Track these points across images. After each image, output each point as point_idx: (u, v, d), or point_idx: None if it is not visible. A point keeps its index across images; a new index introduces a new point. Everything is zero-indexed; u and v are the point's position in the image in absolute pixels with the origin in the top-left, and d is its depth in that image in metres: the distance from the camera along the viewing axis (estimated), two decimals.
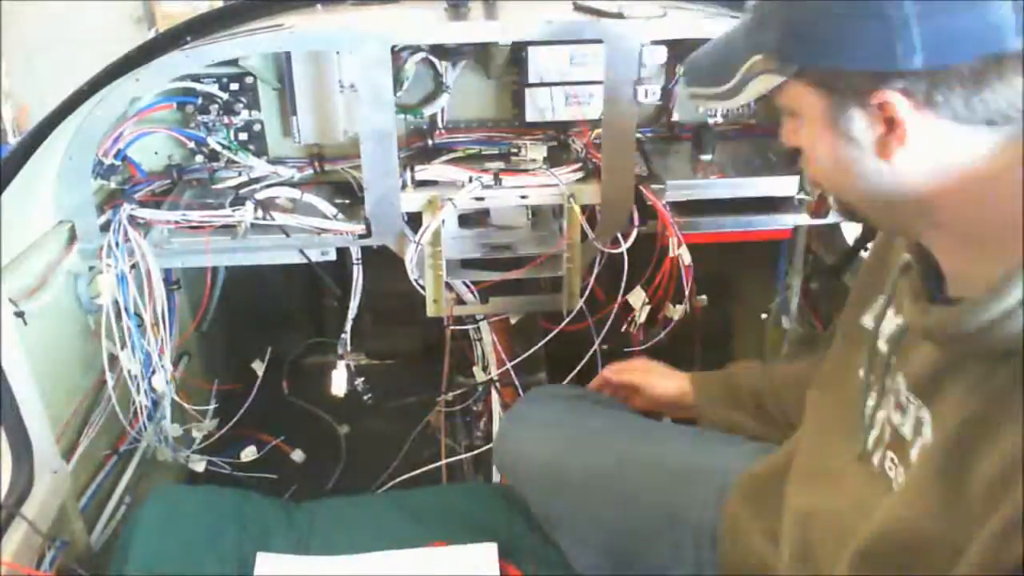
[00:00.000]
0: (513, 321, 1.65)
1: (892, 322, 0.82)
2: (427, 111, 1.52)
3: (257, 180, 1.48)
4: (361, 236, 1.42)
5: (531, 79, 1.47)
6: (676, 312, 1.49)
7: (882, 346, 0.82)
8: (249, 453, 1.67)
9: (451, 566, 1.18)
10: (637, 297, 1.48)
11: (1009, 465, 0.60)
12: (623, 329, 1.52)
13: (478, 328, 1.62)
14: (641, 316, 1.50)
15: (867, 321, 0.87)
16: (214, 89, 1.46)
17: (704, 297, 1.54)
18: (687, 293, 1.44)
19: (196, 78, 1.44)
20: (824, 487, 0.86)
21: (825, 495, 0.85)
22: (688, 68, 0.81)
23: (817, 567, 0.83)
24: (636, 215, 1.42)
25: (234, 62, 1.41)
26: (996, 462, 0.61)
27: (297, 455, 1.80)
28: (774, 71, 0.70)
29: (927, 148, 0.66)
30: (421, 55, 1.44)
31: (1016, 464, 0.59)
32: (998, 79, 0.62)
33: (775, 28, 0.70)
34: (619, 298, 1.48)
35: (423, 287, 1.47)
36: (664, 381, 1.29)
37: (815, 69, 0.69)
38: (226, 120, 1.47)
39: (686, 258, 1.41)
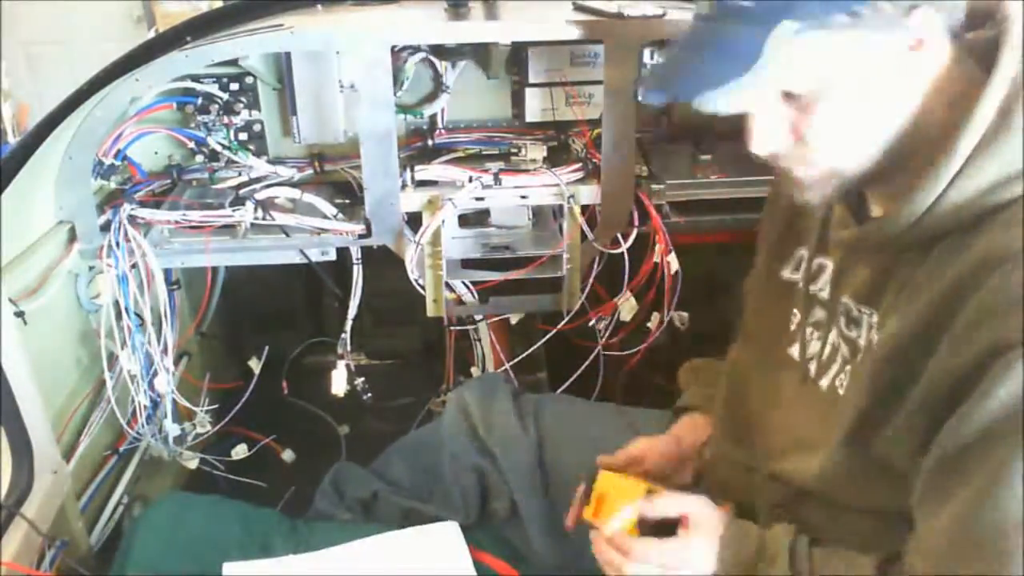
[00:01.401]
0: (513, 321, 1.65)
1: (819, 263, 0.94)
2: (427, 111, 1.53)
3: (257, 180, 1.48)
4: (361, 236, 1.42)
5: (531, 79, 1.47)
6: (652, 322, 1.50)
7: (814, 287, 0.95)
8: (240, 451, 1.68)
9: (417, 547, 1.20)
10: (628, 304, 1.49)
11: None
12: (590, 324, 1.52)
13: (477, 328, 1.62)
14: (625, 316, 1.50)
15: (787, 274, 1.00)
16: (214, 89, 1.46)
17: (685, 314, 1.51)
18: (666, 303, 1.44)
19: (196, 78, 1.44)
20: (781, 418, 0.97)
21: (785, 423, 0.96)
22: (669, 82, 0.79)
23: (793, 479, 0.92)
24: (636, 215, 1.42)
25: (234, 62, 1.41)
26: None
27: (287, 455, 1.80)
28: (808, 28, 0.70)
29: (932, 60, 0.74)
30: (421, 55, 1.44)
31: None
32: None
33: None
34: (613, 300, 1.49)
35: (423, 287, 1.47)
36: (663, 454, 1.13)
37: (850, 13, 0.70)
38: (226, 120, 1.47)
39: (673, 265, 1.40)
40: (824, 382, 0.93)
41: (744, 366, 1.09)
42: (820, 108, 0.75)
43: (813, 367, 0.96)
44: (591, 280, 1.48)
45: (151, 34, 2.49)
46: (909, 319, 0.76)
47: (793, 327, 0.99)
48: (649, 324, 1.52)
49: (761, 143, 0.79)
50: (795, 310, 1.00)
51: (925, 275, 0.76)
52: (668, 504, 0.92)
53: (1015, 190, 0.71)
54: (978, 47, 0.77)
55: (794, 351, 0.98)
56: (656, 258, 1.41)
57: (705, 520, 0.90)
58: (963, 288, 0.71)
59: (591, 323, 1.52)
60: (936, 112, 0.75)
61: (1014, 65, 0.72)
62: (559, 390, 1.57)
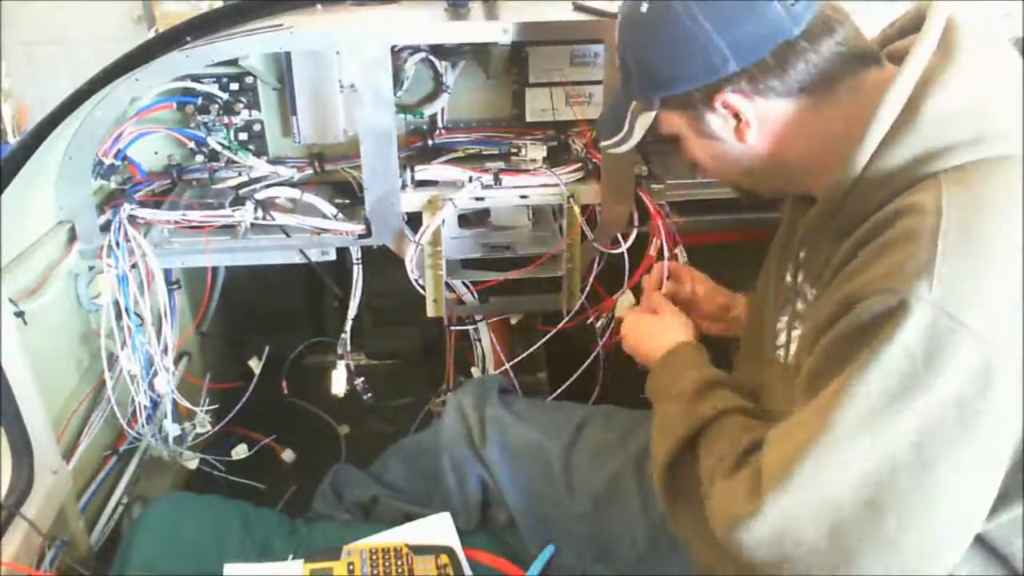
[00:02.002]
0: (513, 321, 1.65)
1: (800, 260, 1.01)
2: (427, 111, 1.52)
3: (257, 180, 1.48)
4: (361, 236, 1.42)
5: (531, 79, 1.47)
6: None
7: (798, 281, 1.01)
8: (240, 451, 1.68)
9: (411, 538, 1.23)
10: (627, 300, 1.49)
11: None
12: (588, 322, 1.52)
13: (477, 328, 1.62)
14: (620, 312, 1.50)
15: (788, 278, 1.04)
16: (214, 89, 1.46)
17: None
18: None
19: (196, 78, 1.44)
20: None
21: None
22: (597, 127, 1.05)
23: None
24: (636, 215, 1.42)
25: (234, 62, 1.41)
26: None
27: (287, 455, 1.80)
28: (646, 110, 0.93)
29: (768, 123, 0.87)
30: (421, 55, 1.44)
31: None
32: (795, 58, 0.83)
33: (634, 78, 0.92)
34: (612, 298, 1.49)
35: (423, 287, 1.47)
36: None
37: (669, 98, 0.90)
38: (226, 120, 1.47)
39: (681, 257, 1.41)
40: (779, 354, 1.00)
41: (739, 362, 1.10)
42: (685, 149, 0.96)
43: (782, 352, 1.00)
44: (591, 280, 1.48)
45: (151, 34, 2.48)
46: (825, 277, 0.85)
47: (780, 324, 1.02)
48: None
49: (684, 159, 0.99)
50: (787, 307, 1.01)
51: (847, 243, 0.83)
52: (659, 301, 1.16)
53: (923, 169, 0.77)
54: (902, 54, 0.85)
55: (777, 341, 1.02)
56: (652, 251, 1.41)
57: (671, 324, 1.12)
58: (862, 239, 0.79)
59: (589, 321, 1.52)
60: (818, 139, 0.87)
61: (917, 66, 0.80)
62: (559, 390, 1.57)
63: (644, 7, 0.87)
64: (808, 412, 0.77)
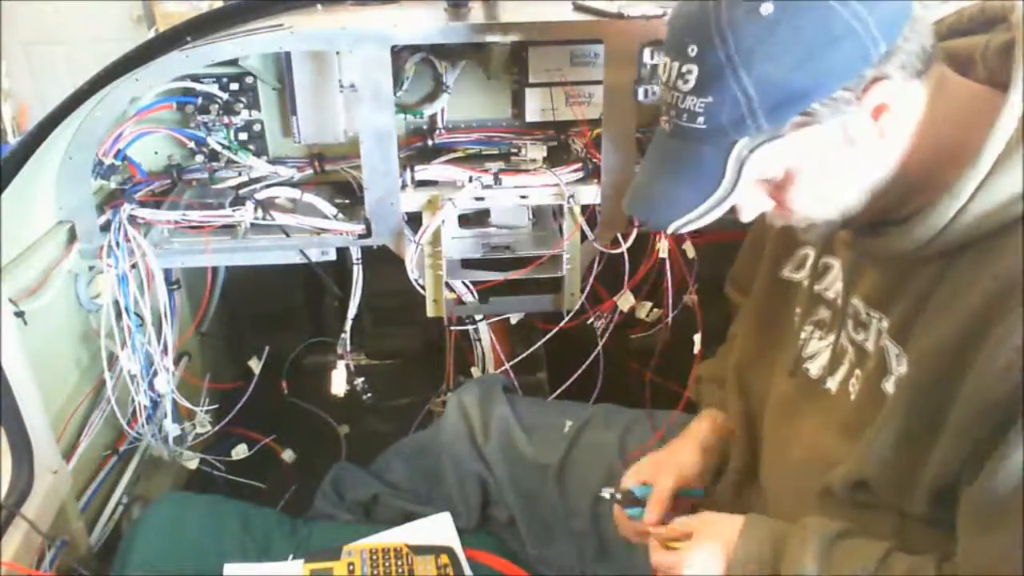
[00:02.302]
0: (513, 321, 1.65)
1: (826, 262, 0.96)
2: (427, 111, 1.52)
3: (257, 180, 1.48)
4: (361, 236, 1.42)
5: (531, 79, 1.47)
6: (642, 311, 1.50)
7: (819, 286, 0.97)
8: (240, 451, 1.68)
9: (411, 538, 1.23)
10: (626, 300, 1.49)
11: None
12: (589, 322, 1.52)
13: (477, 328, 1.62)
14: (623, 307, 1.50)
15: (787, 272, 1.02)
16: (214, 89, 1.46)
17: (694, 297, 1.50)
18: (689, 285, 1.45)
19: (196, 78, 1.44)
20: (786, 421, 0.99)
21: (794, 428, 0.97)
22: (648, 205, 0.83)
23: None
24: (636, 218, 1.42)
25: (234, 62, 1.41)
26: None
27: (287, 455, 1.80)
28: (764, 141, 0.74)
29: (902, 113, 0.75)
30: (421, 55, 1.44)
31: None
32: (915, 32, 0.73)
33: (740, 110, 0.73)
34: (612, 299, 1.49)
35: (423, 287, 1.47)
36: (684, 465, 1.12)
37: (805, 113, 0.73)
38: (226, 120, 1.47)
39: (689, 252, 1.41)
40: (831, 384, 0.94)
41: (744, 366, 1.10)
42: (792, 185, 0.79)
43: (814, 367, 0.96)
44: (591, 280, 1.48)
45: (151, 34, 2.48)
46: (941, 335, 0.76)
47: (795, 325, 1.00)
48: (646, 317, 1.52)
49: (748, 216, 0.84)
50: (797, 308, 1.00)
51: (950, 290, 0.76)
52: (678, 526, 0.97)
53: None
54: (990, 52, 0.78)
55: (793, 349, 0.99)
56: (660, 252, 1.41)
57: (708, 528, 0.93)
58: (988, 312, 0.71)
59: (589, 321, 1.52)
60: (937, 137, 0.77)
61: None
62: (559, 390, 1.57)
63: (767, 7, 0.70)
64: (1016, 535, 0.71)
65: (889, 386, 0.84)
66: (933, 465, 0.78)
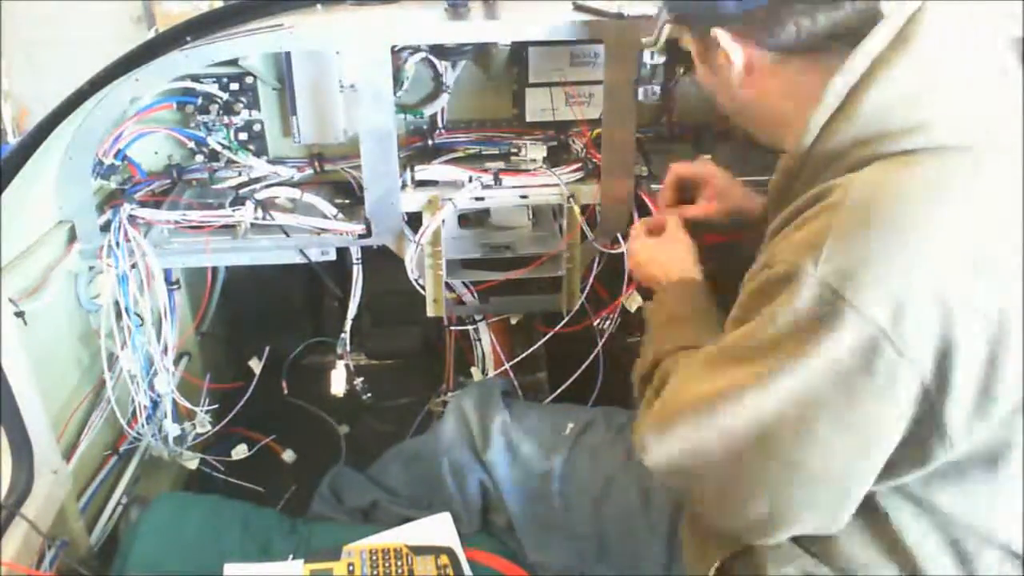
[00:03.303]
0: (513, 321, 1.65)
1: None
2: (427, 111, 1.52)
3: (257, 180, 1.48)
4: (361, 236, 1.42)
5: (531, 79, 1.47)
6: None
7: None
8: (240, 451, 1.68)
9: (412, 538, 1.23)
10: (634, 300, 1.49)
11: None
12: (594, 323, 1.52)
13: (477, 328, 1.62)
14: (631, 307, 1.50)
15: None
16: (214, 89, 1.46)
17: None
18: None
19: (196, 78, 1.44)
20: None
21: None
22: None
23: None
24: (636, 215, 1.42)
25: (234, 62, 1.41)
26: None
27: (288, 455, 1.80)
28: (670, 19, 0.99)
29: (753, 71, 0.90)
30: (421, 55, 1.44)
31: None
32: (787, 18, 0.84)
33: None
34: (617, 300, 1.49)
35: (423, 287, 1.47)
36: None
37: (681, 16, 0.96)
38: (226, 120, 1.47)
39: None
40: None
41: None
42: (696, 70, 1.00)
43: None
44: (591, 280, 1.48)
45: (151, 34, 2.48)
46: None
47: None
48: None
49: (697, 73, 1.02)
50: None
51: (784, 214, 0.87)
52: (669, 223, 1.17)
53: (869, 152, 0.80)
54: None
55: None
56: None
57: (667, 244, 1.15)
58: (795, 209, 0.82)
59: (595, 323, 1.52)
60: (792, 103, 0.89)
61: (865, 57, 0.81)
62: (559, 390, 1.57)
63: None
64: (715, 353, 0.85)
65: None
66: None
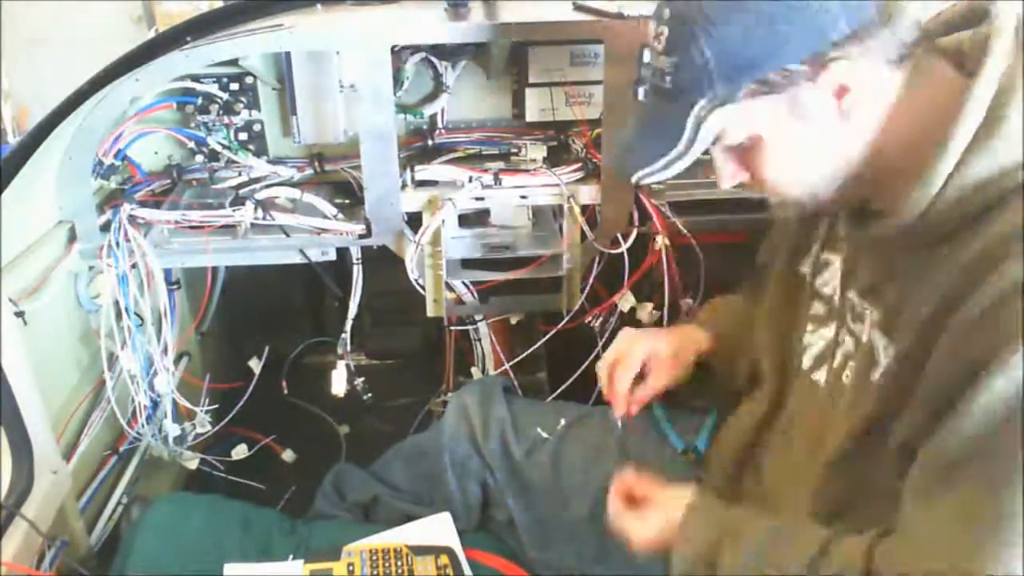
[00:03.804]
0: (513, 321, 1.65)
1: (826, 258, 0.97)
2: (427, 111, 1.52)
3: (257, 180, 1.48)
4: (361, 236, 1.42)
5: (531, 79, 1.47)
6: (643, 310, 1.51)
7: (819, 282, 0.98)
8: (240, 451, 1.68)
9: (412, 538, 1.23)
10: (627, 301, 1.49)
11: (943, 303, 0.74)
12: (587, 322, 1.53)
13: (477, 328, 1.62)
14: (624, 306, 1.51)
15: (804, 268, 1.01)
16: (214, 89, 1.46)
17: (689, 301, 1.51)
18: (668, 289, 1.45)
19: (196, 78, 1.44)
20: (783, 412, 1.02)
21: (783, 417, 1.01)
22: (632, 161, 0.87)
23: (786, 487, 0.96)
24: (636, 215, 1.42)
25: (234, 62, 1.41)
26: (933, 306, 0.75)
27: (288, 455, 1.80)
28: (719, 104, 0.77)
29: (868, 97, 0.76)
30: (421, 55, 1.44)
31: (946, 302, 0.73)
32: (894, 19, 0.74)
33: (700, 71, 0.76)
34: (613, 300, 1.49)
35: (423, 287, 1.47)
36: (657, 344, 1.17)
37: (759, 82, 0.76)
38: (226, 120, 1.47)
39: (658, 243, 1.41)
40: (818, 376, 0.96)
41: (760, 354, 1.10)
42: (759, 154, 0.82)
43: (807, 360, 0.98)
44: (591, 280, 1.48)
45: (151, 34, 2.48)
46: (919, 320, 0.77)
47: (802, 319, 1.02)
48: (647, 318, 1.52)
49: (724, 181, 0.87)
50: (823, 318, 1.01)
51: (931, 272, 0.77)
52: (641, 486, 1.02)
53: (1012, 181, 0.72)
54: (975, 47, 0.79)
55: (797, 342, 1.01)
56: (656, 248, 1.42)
57: (659, 503, 0.98)
58: (964, 285, 0.72)
59: (588, 321, 1.52)
60: (911, 125, 0.77)
61: (999, 66, 0.73)
62: (559, 390, 1.57)
63: None
64: (959, 506, 0.71)
65: (876, 376, 0.85)
66: (898, 435, 0.80)
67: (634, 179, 0.86)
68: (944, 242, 0.76)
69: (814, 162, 0.81)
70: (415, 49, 1.43)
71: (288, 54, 1.41)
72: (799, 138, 0.79)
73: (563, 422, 1.28)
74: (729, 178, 0.87)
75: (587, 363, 1.52)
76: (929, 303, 0.75)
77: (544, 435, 1.26)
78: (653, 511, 0.98)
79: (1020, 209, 0.70)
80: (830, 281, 0.97)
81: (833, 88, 0.75)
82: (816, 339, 0.98)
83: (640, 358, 1.15)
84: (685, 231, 1.42)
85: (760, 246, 1.16)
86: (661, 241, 1.41)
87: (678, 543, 0.93)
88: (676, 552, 0.92)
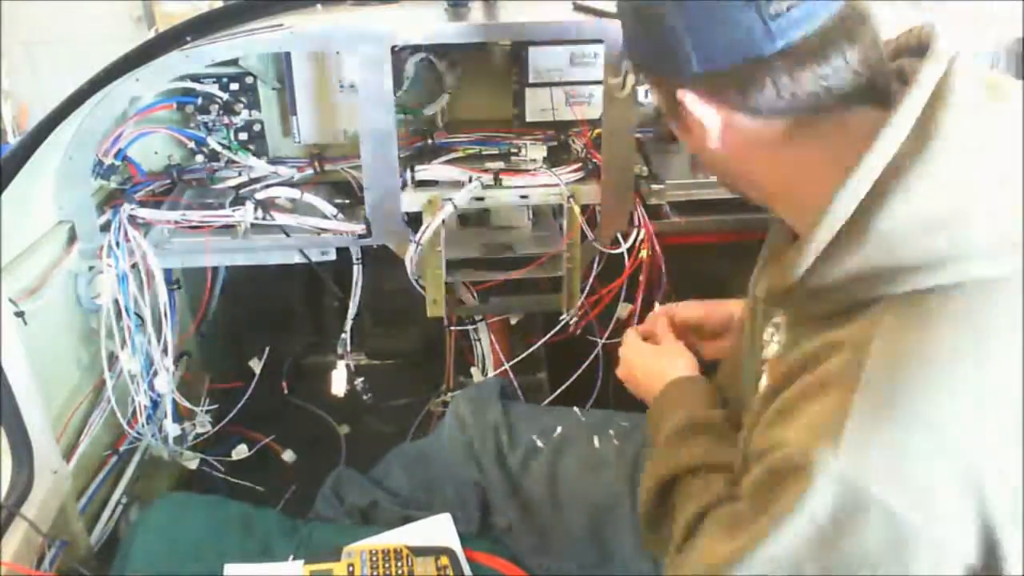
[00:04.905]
0: (513, 321, 1.65)
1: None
2: (427, 111, 1.52)
3: (257, 180, 1.48)
4: (361, 236, 1.42)
5: (531, 79, 1.47)
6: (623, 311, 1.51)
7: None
8: (240, 452, 1.68)
9: (412, 539, 1.23)
10: (624, 308, 1.49)
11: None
12: (573, 320, 1.53)
13: (477, 328, 1.62)
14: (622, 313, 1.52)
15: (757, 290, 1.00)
16: (214, 89, 1.46)
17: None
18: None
19: (196, 78, 1.44)
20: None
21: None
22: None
23: None
24: (636, 215, 1.42)
25: (234, 62, 1.41)
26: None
27: (288, 455, 1.80)
28: (630, 72, 0.86)
29: (731, 134, 0.76)
30: (421, 55, 1.44)
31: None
32: (761, 78, 0.71)
33: (627, 44, 0.83)
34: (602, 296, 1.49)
35: (423, 287, 1.47)
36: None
37: (650, 76, 0.82)
38: (226, 120, 1.47)
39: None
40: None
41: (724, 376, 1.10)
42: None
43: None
44: (591, 280, 1.48)
45: (151, 34, 2.48)
46: (783, 361, 0.77)
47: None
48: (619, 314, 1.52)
49: (679, 136, 0.88)
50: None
51: (799, 331, 0.77)
52: (663, 331, 1.12)
53: (875, 291, 0.68)
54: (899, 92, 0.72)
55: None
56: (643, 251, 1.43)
57: (662, 358, 1.09)
58: (797, 367, 0.72)
59: (574, 320, 1.52)
60: (791, 179, 0.76)
61: (888, 149, 0.67)
62: (559, 390, 1.57)
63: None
64: (743, 524, 0.72)
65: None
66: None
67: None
68: (816, 307, 0.74)
69: (701, 156, 0.83)
70: (415, 49, 1.43)
71: (288, 54, 1.41)
72: (683, 135, 0.83)
73: (559, 430, 1.28)
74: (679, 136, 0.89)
75: (587, 363, 1.52)
76: (790, 360, 0.75)
77: (540, 444, 1.26)
78: (653, 356, 1.10)
79: (867, 321, 0.67)
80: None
81: (689, 114, 0.77)
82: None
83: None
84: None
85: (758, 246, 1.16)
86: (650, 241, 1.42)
87: (653, 401, 1.05)
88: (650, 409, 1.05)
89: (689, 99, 0.75)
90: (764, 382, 0.86)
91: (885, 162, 0.67)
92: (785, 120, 0.73)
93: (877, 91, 0.72)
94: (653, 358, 1.10)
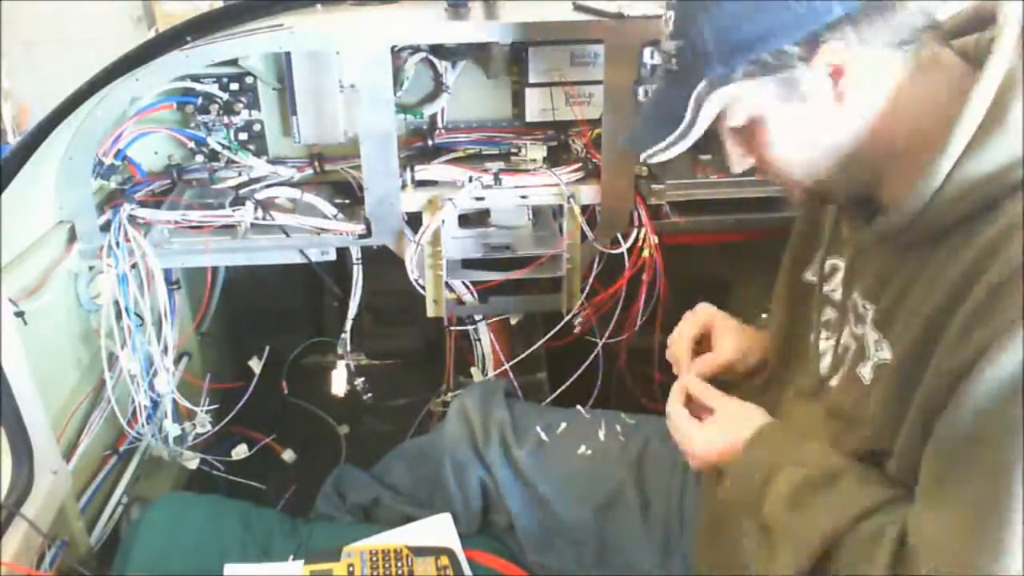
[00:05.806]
0: (513, 321, 1.65)
1: (832, 263, 0.97)
2: (427, 111, 1.52)
3: (257, 180, 1.48)
4: (361, 236, 1.42)
5: (531, 79, 1.47)
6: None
7: (827, 288, 0.97)
8: (240, 451, 1.68)
9: (412, 539, 1.23)
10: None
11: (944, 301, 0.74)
12: (576, 321, 1.53)
13: (477, 328, 1.62)
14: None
15: (808, 276, 1.02)
16: (214, 89, 1.46)
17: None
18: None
19: (196, 78, 1.44)
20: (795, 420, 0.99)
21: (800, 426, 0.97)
22: (634, 138, 0.89)
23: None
24: (636, 215, 1.42)
25: (234, 62, 1.41)
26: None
27: (288, 455, 1.80)
28: (718, 84, 0.78)
29: (866, 79, 0.76)
30: (421, 55, 1.44)
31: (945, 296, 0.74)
32: (892, 5, 0.74)
33: (700, 53, 0.78)
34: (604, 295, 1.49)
35: (423, 287, 1.47)
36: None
37: (755, 63, 0.77)
38: (226, 120, 1.47)
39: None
40: (834, 382, 0.95)
41: (771, 368, 1.10)
42: (760, 136, 0.82)
43: (824, 367, 0.97)
44: (591, 280, 1.48)
45: (151, 34, 2.48)
46: (918, 320, 0.77)
47: (812, 328, 1.01)
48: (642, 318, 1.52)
49: (733, 164, 0.88)
50: (815, 312, 1.01)
51: (930, 275, 0.77)
52: (707, 393, 1.01)
53: (1014, 177, 0.71)
54: (981, 49, 0.79)
55: (811, 351, 1.00)
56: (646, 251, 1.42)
57: (726, 418, 0.98)
58: (968, 277, 0.72)
59: (577, 321, 1.52)
60: (914, 111, 0.77)
61: (1003, 64, 0.73)
62: (559, 390, 1.57)
63: None
64: (973, 488, 0.71)
65: (865, 372, 0.86)
66: (903, 442, 0.79)
67: (642, 158, 0.89)
68: (945, 238, 0.76)
69: (813, 143, 0.81)
70: (415, 49, 1.43)
71: (288, 54, 1.41)
72: (796, 119, 0.80)
73: (564, 425, 1.28)
74: (737, 161, 0.87)
75: (587, 363, 1.52)
76: (932, 298, 0.75)
77: (544, 438, 1.26)
78: (717, 426, 0.98)
79: (1020, 203, 0.71)
80: (839, 286, 0.96)
81: (828, 70, 0.76)
82: (828, 346, 0.97)
83: (703, 319, 1.13)
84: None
85: (759, 247, 1.16)
86: (651, 241, 1.41)
87: (734, 464, 0.93)
88: (731, 472, 0.93)
89: (835, 48, 0.74)
90: (874, 339, 0.84)
91: (1007, 65, 0.72)
92: (909, 53, 0.76)
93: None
94: (718, 431, 0.98)
